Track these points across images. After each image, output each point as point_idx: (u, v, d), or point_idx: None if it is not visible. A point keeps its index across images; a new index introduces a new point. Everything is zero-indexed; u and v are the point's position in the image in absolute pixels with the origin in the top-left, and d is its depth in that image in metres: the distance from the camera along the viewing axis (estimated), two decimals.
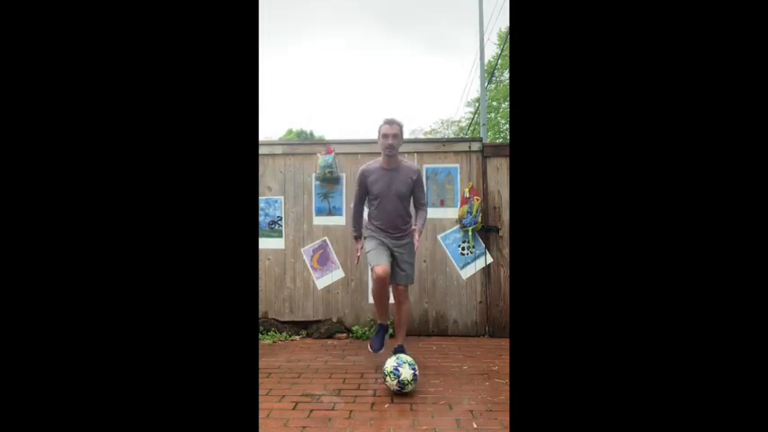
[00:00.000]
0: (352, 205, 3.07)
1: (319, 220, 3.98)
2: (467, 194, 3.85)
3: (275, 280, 3.97)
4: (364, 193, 2.96)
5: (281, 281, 3.96)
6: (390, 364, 2.49)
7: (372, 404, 2.34)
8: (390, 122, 2.83)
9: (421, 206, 3.02)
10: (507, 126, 17.42)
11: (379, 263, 2.78)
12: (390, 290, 2.95)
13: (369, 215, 3.01)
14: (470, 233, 3.83)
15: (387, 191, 2.85)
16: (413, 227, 2.96)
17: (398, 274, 2.90)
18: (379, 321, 3.08)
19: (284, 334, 3.86)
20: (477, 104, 16.21)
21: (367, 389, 2.58)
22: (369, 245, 2.91)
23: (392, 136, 2.79)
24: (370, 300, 3.77)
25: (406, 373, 2.42)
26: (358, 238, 3.06)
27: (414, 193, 2.96)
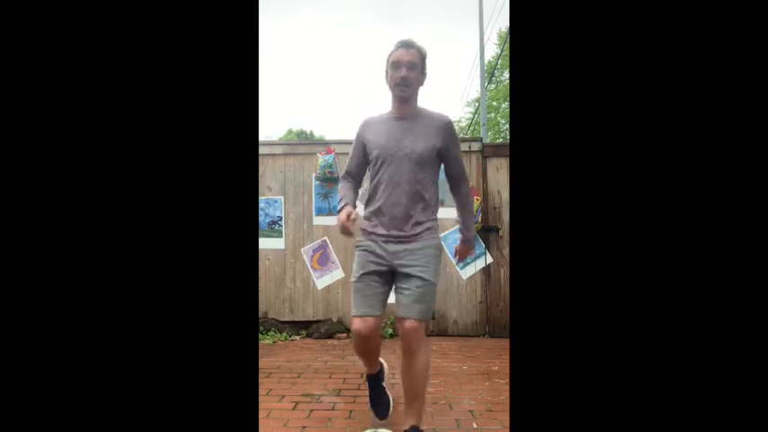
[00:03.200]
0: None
1: (319, 220, 3.98)
2: None
3: (275, 280, 3.97)
4: (361, 155, 1.86)
5: (281, 281, 3.96)
6: None
7: None
8: (408, 45, 1.73)
9: (461, 182, 1.88)
10: (507, 126, 17.42)
11: (360, 311, 1.74)
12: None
13: (366, 203, 1.87)
14: None
15: (394, 149, 1.73)
16: (459, 233, 1.91)
17: (399, 300, 1.73)
18: (367, 372, 2.01)
19: (284, 334, 3.86)
20: (477, 104, 16.21)
21: (367, 389, 2.58)
22: (356, 268, 1.82)
23: (407, 64, 1.71)
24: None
25: None
26: (344, 206, 1.79)
27: (445, 157, 1.81)
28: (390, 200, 1.74)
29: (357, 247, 1.85)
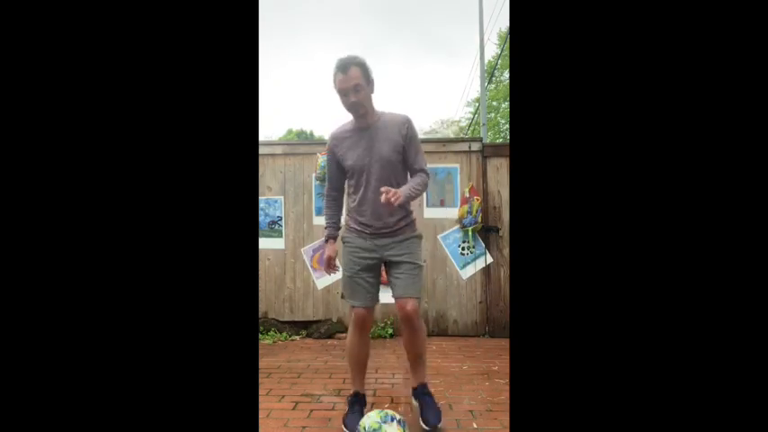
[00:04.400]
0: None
1: (319, 220, 3.98)
2: (467, 194, 3.85)
3: (275, 280, 3.97)
4: (337, 169, 2.04)
5: (281, 281, 3.97)
6: (373, 419, 1.77)
7: (372, 404, 2.34)
8: (344, 68, 1.82)
9: (420, 172, 1.99)
10: (507, 126, 17.42)
11: (357, 301, 1.95)
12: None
13: (349, 209, 2.08)
14: (470, 233, 3.83)
15: (366, 159, 1.91)
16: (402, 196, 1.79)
17: (395, 283, 1.95)
18: (353, 389, 2.08)
19: (284, 334, 3.86)
20: (477, 104, 16.21)
21: (367, 389, 2.58)
22: (345, 263, 2.00)
23: (352, 89, 1.83)
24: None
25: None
26: (330, 238, 2.07)
27: (405, 154, 1.95)
28: (371, 201, 1.92)
29: (345, 243, 2.04)
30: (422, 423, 1.95)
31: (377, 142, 1.93)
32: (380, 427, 1.76)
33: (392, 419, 1.79)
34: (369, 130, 1.95)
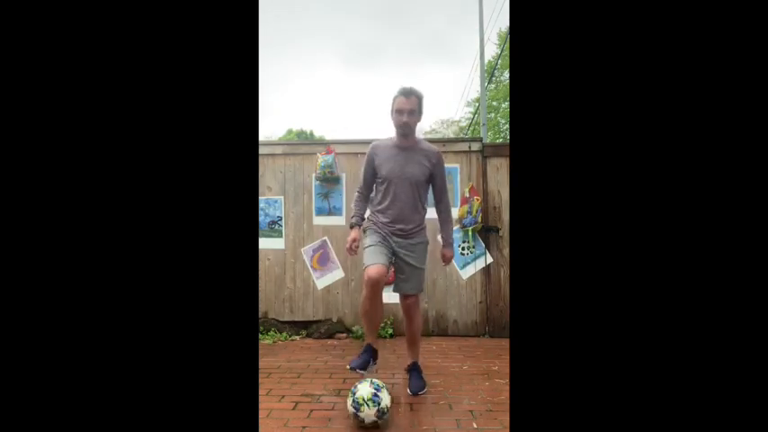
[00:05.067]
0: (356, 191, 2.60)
1: (319, 220, 3.98)
2: (467, 194, 3.85)
3: (275, 280, 3.97)
4: (372, 174, 2.46)
5: (281, 281, 3.97)
6: (366, 390, 2.00)
7: None
8: (407, 93, 2.30)
9: (444, 201, 2.48)
10: (507, 126, 17.42)
11: (374, 262, 2.29)
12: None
13: (373, 206, 2.49)
14: (470, 233, 3.83)
15: (399, 173, 2.35)
16: (439, 238, 2.49)
17: (400, 281, 2.43)
18: (366, 341, 2.49)
19: (284, 334, 3.86)
20: (477, 104, 16.22)
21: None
22: (368, 239, 2.42)
23: (408, 112, 2.30)
24: None
25: (386, 399, 2.01)
26: (355, 225, 2.48)
27: (433, 183, 2.45)
28: (396, 209, 2.38)
29: (368, 228, 2.47)
30: (408, 391, 2.46)
31: (410, 162, 2.37)
32: (376, 395, 1.98)
33: (381, 387, 2.03)
34: (406, 150, 2.39)
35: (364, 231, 2.49)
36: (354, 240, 2.40)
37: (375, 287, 2.27)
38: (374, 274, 2.25)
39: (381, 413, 1.97)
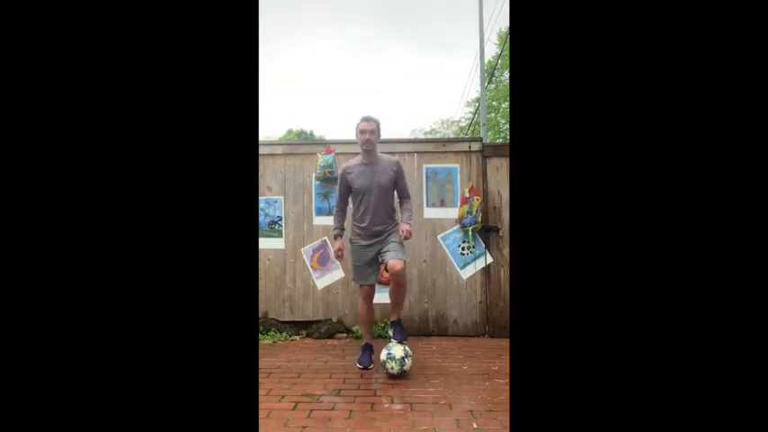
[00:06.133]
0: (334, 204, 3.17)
1: (319, 220, 3.97)
2: (467, 194, 3.84)
3: (275, 280, 3.97)
4: (347, 190, 3.06)
5: (281, 281, 3.96)
6: (399, 352, 2.76)
7: (372, 404, 2.34)
8: (367, 119, 3.00)
9: (406, 198, 3.11)
10: (507, 126, 17.41)
11: (365, 281, 2.96)
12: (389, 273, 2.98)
13: (354, 219, 3.05)
14: (470, 233, 3.83)
15: (369, 184, 2.95)
16: (400, 223, 2.98)
17: (387, 253, 2.91)
18: (364, 341, 3.12)
19: (284, 334, 3.86)
20: (477, 104, 16.21)
21: (367, 389, 2.58)
22: (354, 258, 3.03)
23: (369, 132, 2.94)
24: None
25: (398, 351, 2.75)
26: (338, 236, 3.11)
27: (396, 185, 3.05)
28: (371, 215, 2.97)
29: (352, 243, 3.07)
30: (391, 338, 2.97)
31: (376, 174, 2.97)
32: (406, 357, 2.76)
33: (410, 355, 2.80)
34: (371, 165, 2.98)
35: (350, 241, 3.07)
36: (340, 249, 3.06)
37: (369, 302, 3.04)
38: (365, 294, 3.00)
39: (402, 372, 2.76)
